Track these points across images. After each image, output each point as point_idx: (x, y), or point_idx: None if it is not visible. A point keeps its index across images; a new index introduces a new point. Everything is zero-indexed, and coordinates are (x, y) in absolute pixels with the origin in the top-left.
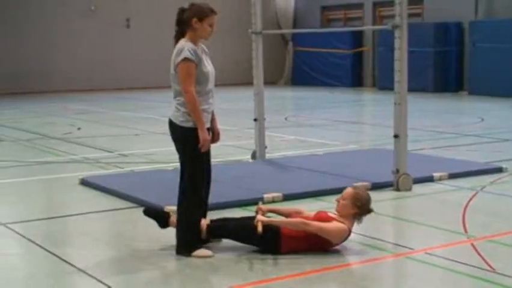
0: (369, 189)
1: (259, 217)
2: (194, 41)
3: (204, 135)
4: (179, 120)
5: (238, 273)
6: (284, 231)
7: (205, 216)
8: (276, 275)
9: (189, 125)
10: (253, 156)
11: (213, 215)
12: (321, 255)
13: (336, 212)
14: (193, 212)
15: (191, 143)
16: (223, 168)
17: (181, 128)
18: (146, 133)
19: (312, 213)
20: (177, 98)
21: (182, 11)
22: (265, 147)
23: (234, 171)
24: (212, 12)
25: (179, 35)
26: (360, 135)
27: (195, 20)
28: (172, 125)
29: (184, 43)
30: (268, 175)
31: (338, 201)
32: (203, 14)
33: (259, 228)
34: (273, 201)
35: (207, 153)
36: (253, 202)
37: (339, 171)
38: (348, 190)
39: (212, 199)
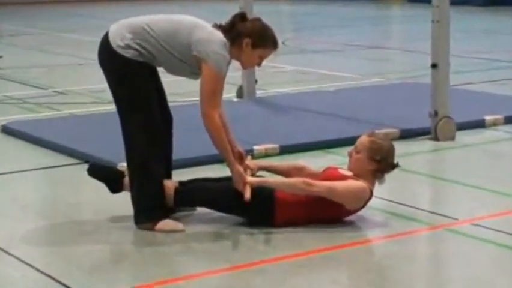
0: (396, 137)
1: (248, 179)
2: (232, 56)
3: (235, 169)
4: (116, 43)
5: (218, 253)
6: (280, 195)
7: (169, 177)
8: (269, 255)
9: (128, 54)
10: (239, 93)
11: (183, 175)
12: (330, 228)
13: (348, 169)
14: (150, 169)
15: (128, 81)
16: (197, 112)
17: (116, 54)
18: (93, 62)
19: (319, 171)
20: (138, 35)
21: (241, 18)
22: (255, 81)
23: None
24: (274, 45)
25: (221, 31)
26: (386, 64)
27: (247, 41)
28: (105, 44)
29: (222, 46)
30: (259, 120)
31: (350, 155)
32: (262, 41)
33: (247, 194)
34: (266, 155)
35: (160, 92)
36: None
37: (356, 114)
38: (363, 139)
39: (181, 154)
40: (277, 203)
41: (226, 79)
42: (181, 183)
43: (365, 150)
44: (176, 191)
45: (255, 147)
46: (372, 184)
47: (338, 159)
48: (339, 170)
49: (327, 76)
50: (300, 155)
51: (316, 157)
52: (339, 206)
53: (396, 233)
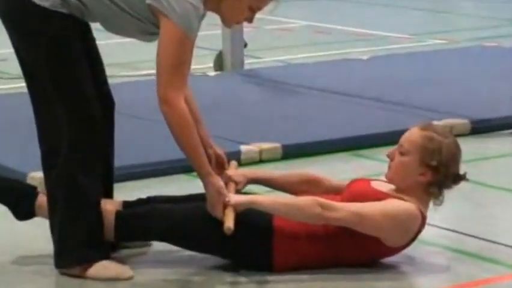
0: (466, 132)
1: (231, 198)
2: (207, 6)
3: (212, 183)
4: None
5: None
6: (280, 224)
7: (109, 195)
8: None
9: (46, 3)
10: (219, 64)
11: (129, 192)
12: (360, 274)
13: (387, 182)
14: (80, 183)
15: (46, 44)
16: (152, 93)
17: (28, 2)
18: None
19: (342, 185)
20: None
21: None
22: (245, 44)
23: None
24: None
25: None
26: (450, 18)
27: None
28: None
29: None
30: (249, 105)
31: (391, 158)
32: None
33: (229, 222)
34: (261, 160)
35: (94, 61)
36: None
37: (402, 95)
38: (412, 135)
39: (126, 158)
40: (277, 236)
41: (201, 44)
42: (127, 205)
43: (415, 151)
44: (120, 216)
45: (243, 148)
46: (425, 205)
47: (372, 166)
48: (373, 184)
49: (356, 36)
50: (314, 159)
51: (339, 163)
52: (373, 241)
53: (465, 281)
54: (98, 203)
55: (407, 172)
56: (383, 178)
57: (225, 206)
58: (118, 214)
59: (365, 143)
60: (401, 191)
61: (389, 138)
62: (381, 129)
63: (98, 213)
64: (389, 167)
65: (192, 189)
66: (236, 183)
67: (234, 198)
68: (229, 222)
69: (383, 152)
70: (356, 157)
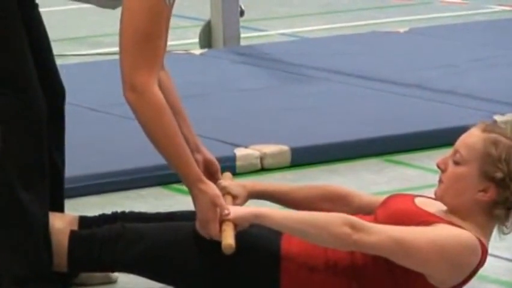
0: None
1: (230, 210)
2: None
3: (204, 190)
4: None
5: None
6: (288, 246)
7: (58, 208)
8: None
9: None
10: (206, 37)
11: (88, 207)
12: None
13: (438, 199)
14: (21, 199)
15: None
16: (116, 76)
17: None
18: None
19: (378, 200)
20: None
21: None
22: (241, 12)
23: None
24: None
25: None
26: None
27: None
28: None
29: None
30: (247, 95)
31: (442, 169)
32: None
33: (229, 239)
34: (263, 167)
35: (37, 38)
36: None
37: (451, 82)
38: (471, 138)
39: (84, 165)
40: (285, 265)
41: (178, 7)
42: (86, 223)
43: (475, 159)
44: (75, 238)
45: (239, 152)
46: (486, 232)
47: (414, 177)
48: (418, 202)
49: (391, 0)
50: (333, 168)
51: (368, 172)
52: (415, 278)
53: None
54: (44, 223)
55: (463, 187)
56: (431, 194)
57: (221, 221)
58: (72, 235)
59: (404, 146)
60: (455, 213)
61: (437, 139)
62: (425, 126)
63: (45, 237)
64: (440, 181)
65: (173, 207)
66: (234, 196)
67: (234, 210)
68: (229, 239)
69: (428, 158)
70: (391, 164)
